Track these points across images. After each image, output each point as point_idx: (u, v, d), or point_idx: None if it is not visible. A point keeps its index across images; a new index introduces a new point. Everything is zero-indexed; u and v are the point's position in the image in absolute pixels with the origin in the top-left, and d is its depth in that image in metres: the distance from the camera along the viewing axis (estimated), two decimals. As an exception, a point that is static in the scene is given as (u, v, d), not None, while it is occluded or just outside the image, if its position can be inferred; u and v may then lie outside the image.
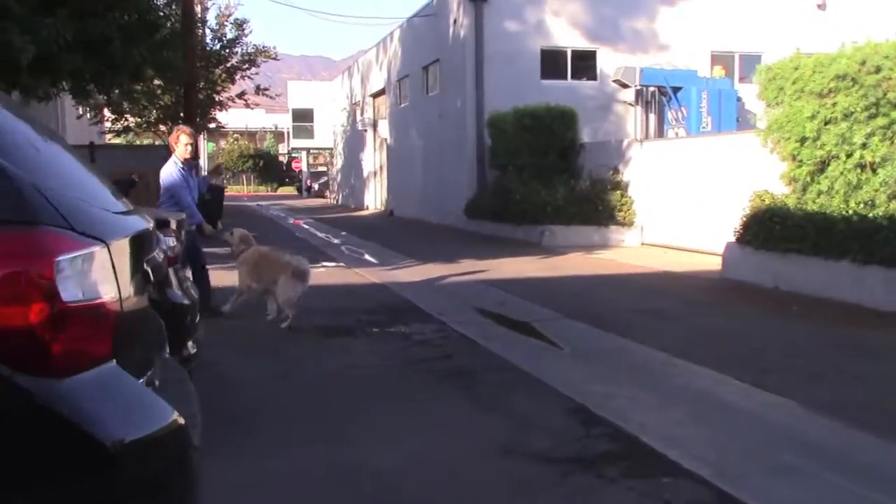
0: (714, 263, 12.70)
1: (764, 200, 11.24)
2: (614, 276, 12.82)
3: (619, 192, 17.79)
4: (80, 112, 29.89)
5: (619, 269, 13.62)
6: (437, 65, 26.01)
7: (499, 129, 20.68)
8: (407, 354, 7.17)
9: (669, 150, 17.21)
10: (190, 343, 4.37)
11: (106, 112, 31.49)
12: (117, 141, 38.57)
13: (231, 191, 71.55)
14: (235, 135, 77.06)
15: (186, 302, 4.27)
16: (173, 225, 4.36)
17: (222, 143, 78.82)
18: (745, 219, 11.27)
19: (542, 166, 19.39)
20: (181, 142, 8.88)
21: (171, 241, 4.21)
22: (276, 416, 5.38)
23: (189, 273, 5.28)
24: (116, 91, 14.31)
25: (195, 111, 22.68)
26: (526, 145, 19.66)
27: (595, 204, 17.64)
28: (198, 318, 4.63)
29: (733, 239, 11.58)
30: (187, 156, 8.93)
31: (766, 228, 10.56)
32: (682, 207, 16.09)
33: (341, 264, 14.56)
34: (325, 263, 14.68)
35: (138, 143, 38.12)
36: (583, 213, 17.70)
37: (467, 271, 13.30)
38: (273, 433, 4.98)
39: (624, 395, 5.85)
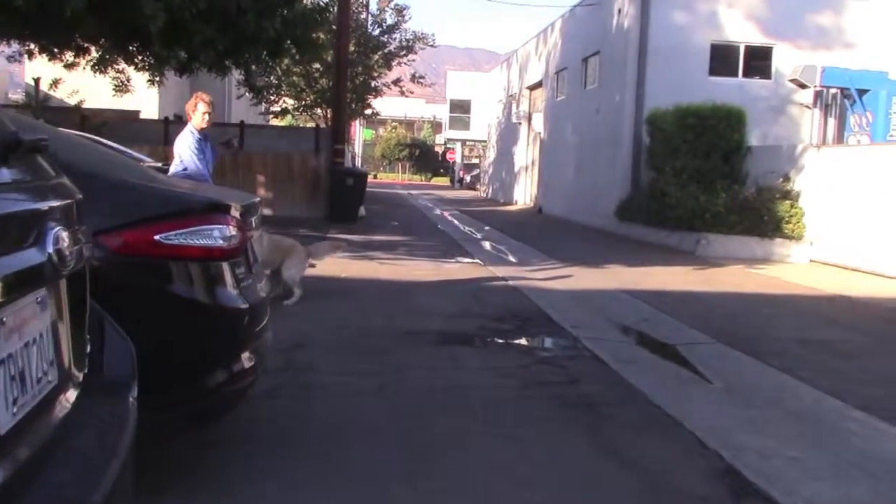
0: (898, 290, 11.10)
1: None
2: (779, 297, 11.36)
3: (788, 201, 16.09)
4: (240, 92, 30.47)
5: (785, 289, 12.12)
6: (597, 57, 24.74)
7: (658, 127, 19.28)
8: (525, 375, 6.20)
9: (852, 158, 15.39)
10: (245, 355, 3.59)
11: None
12: (276, 122, 39.45)
13: (385, 178, 72.52)
14: (394, 123, 77.85)
15: (242, 305, 3.49)
16: (235, 211, 3.58)
17: (381, 131, 79.88)
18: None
19: (702, 169, 17.91)
20: (199, 110, 8.17)
21: (229, 231, 3.44)
22: (353, 439, 4.55)
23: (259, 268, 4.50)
24: (254, 67, 13.93)
25: (345, 94, 22.38)
26: (686, 146, 18.22)
27: (760, 213, 16.03)
28: (263, 324, 3.84)
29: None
30: (204, 125, 8.22)
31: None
32: (862, 223, 14.31)
33: (477, 261, 13.73)
34: (460, 259, 13.91)
35: (302, 125, 38.47)
36: (745, 222, 16.13)
37: (612, 279, 12.18)
38: (340, 461, 4.16)
39: (786, 453, 4.68)
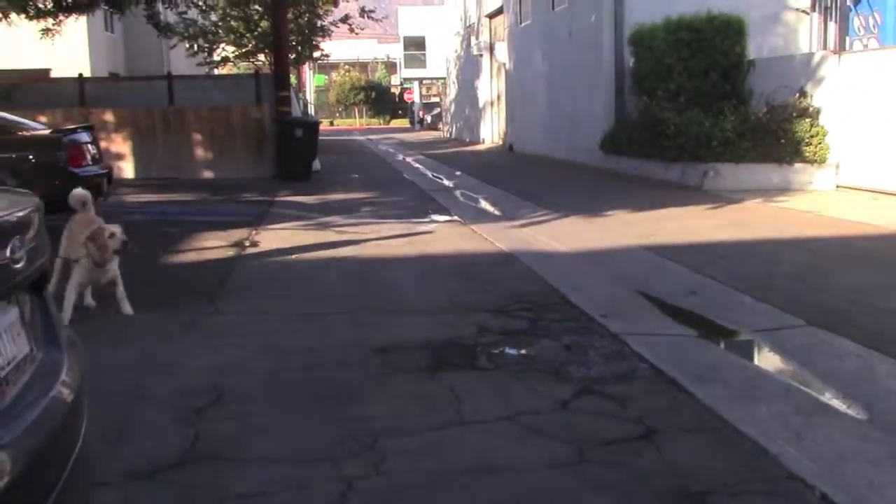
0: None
1: None
2: (836, 241, 9.19)
3: (807, 120, 13.87)
4: (173, 43, 27.78)
5: (837, 229, 9.93)
6: (565, -28, 22.17)
7: (645, 46, 16.91)
8: (571, 427, 3.95)
9: (881, 63, 13.14)
10: None
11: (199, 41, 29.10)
12: (219, 72, 36.50)
13: (342, 124, 69.52)
14: (346, 66, 74.65)
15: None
16: None
17: (333, 76, 76.62)
18: None
19: (701, 90, 15.64)
20: None
21: None
22: None
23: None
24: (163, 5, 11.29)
25: (287, 34, 19.69)
26: (681, 65, 15.90)
27: (776, 135, 13.81)
28: None
29: None
30: None
31: None
32: (900, 140, 12.20)
33: (455, 218, 11.44)
34: (434, 217, 11.62)
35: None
36: (759, 147, 13.92)
37: (623, 230, 9.98)
38: None
39: None
